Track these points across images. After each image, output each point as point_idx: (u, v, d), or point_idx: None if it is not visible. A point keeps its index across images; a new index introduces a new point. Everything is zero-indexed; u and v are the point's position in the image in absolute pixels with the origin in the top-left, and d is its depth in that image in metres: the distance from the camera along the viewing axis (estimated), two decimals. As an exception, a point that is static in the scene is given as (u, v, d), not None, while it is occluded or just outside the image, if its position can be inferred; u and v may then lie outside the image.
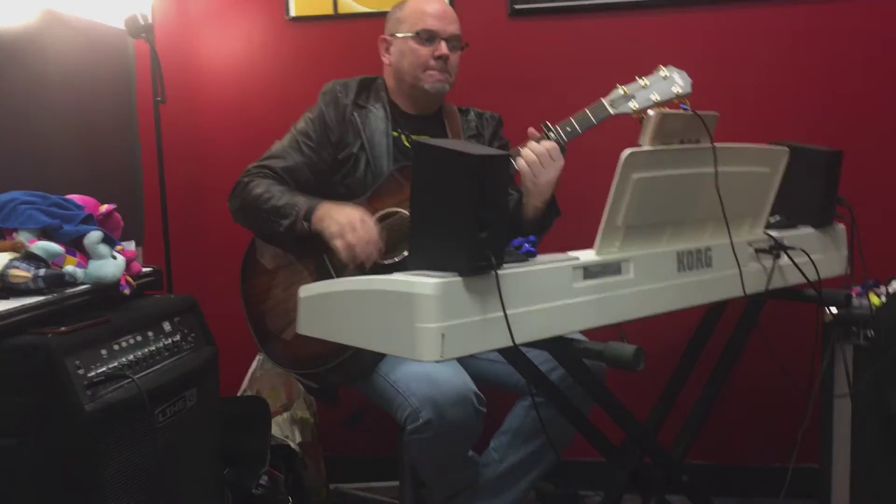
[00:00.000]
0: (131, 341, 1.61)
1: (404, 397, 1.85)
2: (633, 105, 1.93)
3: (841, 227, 2.06)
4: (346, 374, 1.98)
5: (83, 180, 2.02)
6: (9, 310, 1.43)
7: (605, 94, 1.95)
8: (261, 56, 2.71)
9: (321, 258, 2.00)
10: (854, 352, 2.01)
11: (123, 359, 1.56)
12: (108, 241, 1.66)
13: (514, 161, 1.93)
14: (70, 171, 2.09)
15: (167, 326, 1.74)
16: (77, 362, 1.44)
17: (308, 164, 2.08)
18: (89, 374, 1.46)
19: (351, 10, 2.63)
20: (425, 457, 1.92)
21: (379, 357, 1.92)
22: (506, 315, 1.29)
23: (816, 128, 2.42)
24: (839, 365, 2.01)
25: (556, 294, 1.40)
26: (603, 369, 2.00)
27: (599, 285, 1.46)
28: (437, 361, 1.25)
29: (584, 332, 1.54)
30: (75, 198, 1.73)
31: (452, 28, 2.10)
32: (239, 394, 2.38)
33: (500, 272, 1.30)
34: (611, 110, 1.93)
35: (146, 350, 1.64)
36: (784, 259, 1.79)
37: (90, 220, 1.66)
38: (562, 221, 2.08)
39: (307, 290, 1.50)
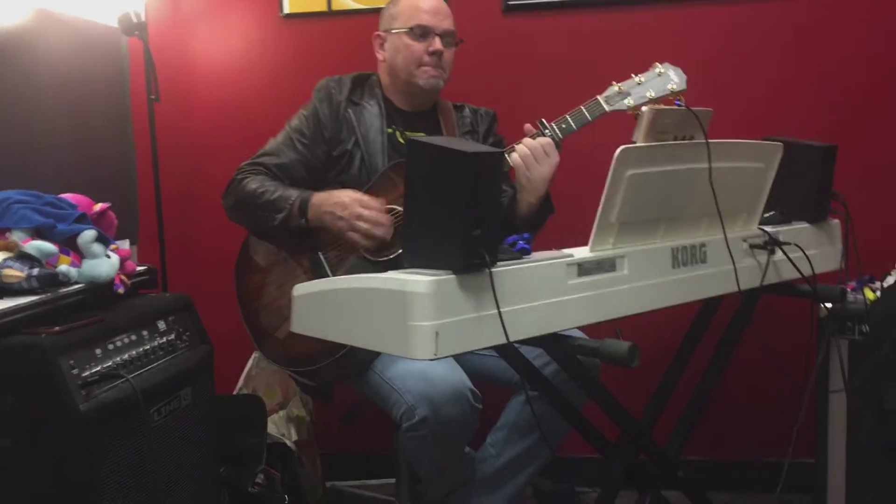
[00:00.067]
0: (126, 340, 1.61)
1: (400, 394, 1.85)
2: (629, 102, 1.92)
3: (835, 221, 2.06)
4: (341, 372, 1.98)
5: (77, 179, 2.02)
6: (2, 310, 1.44)
7: (600, 91, 1.95)
8: (255, 53, 2.70)
9: (316, 256, 2.00)
10: (849, 347, 2.01)
11: (118, 358, 1.56)
12: (102, 240, 1.65)
13: (508, 157, 1.93)
14: (64, 170, 2.09)
15: (162, 325, 1.74)
16: (71, 362, 1.44)
17: (302, 161, 2.08)
18: (84, 374, 1.46)
19: (345, 7, 2.62)
20: (421, 454, 1.92)
21: (374, 354, 1.92)
22: (500, 313, 1.29)
23: (810, 123, 2.42)
24: (834, 360, 2.01)
25: (551, 291, 1.39)
26: (597, 365, 2.00)
27: (594, 282, 1.46)
28: (432, 360, 1.25)
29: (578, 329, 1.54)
30: (69, 197, 1.73)
31: (446, 24, 2.10)
32: (235, 392, 2.38)
33: (494, 270, 1.29)
34: (606, 107, 1.93)
35: (141, 349, 1.64)
36: (778, 254, 1.79)
37: (84, 219, 1.66)
38: (556, 218, 2.08)
39: (301, 289, 1.49)
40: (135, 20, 2.35)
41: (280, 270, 2.05)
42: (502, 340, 1.30)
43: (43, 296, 1.54)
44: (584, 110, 1.94)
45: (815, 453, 2.10)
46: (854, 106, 2.44)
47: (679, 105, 1.61)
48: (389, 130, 2.12)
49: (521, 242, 1.41)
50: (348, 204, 1.93)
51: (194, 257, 2.72)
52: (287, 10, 2.65)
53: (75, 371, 1.44)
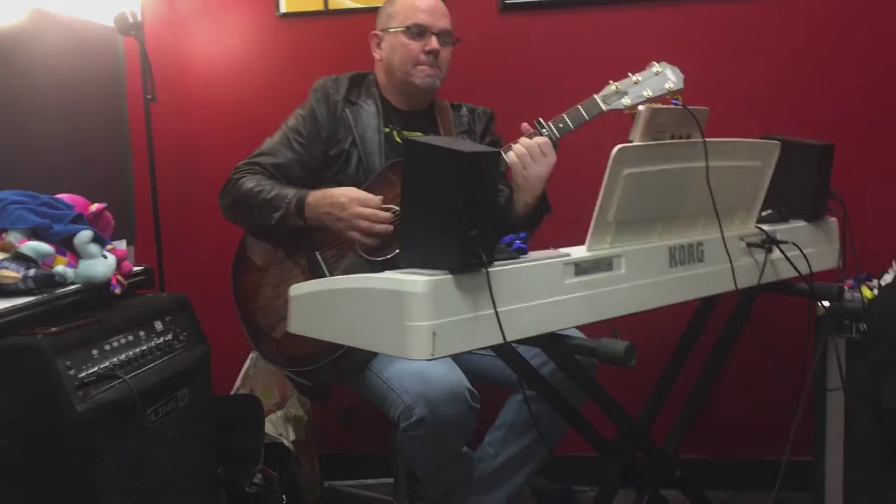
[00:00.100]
0: (122, 341, 1.61)
1: (397, 394, 1.85)
2: (626, 101, 1.92)
3: (833, 220, 2.06)
4: (339, 372, 1.98)
5: (73, 179, 2.01)
6: (-2, 311, 1.43)
7: (597, 90, 1.95)
8: (251, 53, 2.70)
9: (313, 255, 2.00)
10: (847, 345, 2.01)
11: (115, 359, 1.56)
12: (99, 240, 1.65)
13: (505, 156, 1.92)
14: (60, 171, 2.09)
15: (159, 326, 1.74)
16: (68, 363, 1.44)
17: (299, 160, 2.08)
18: (80, 375, 1.45)
19: (341, 6, 2.62)
20: (419, 453, 1.92)
21: (371, 354, 1.91)
22: (497, 313, 1.29)
23: (808, 122, 2.42)
24: (832, 358, 2.01)
25: (548, 291, 1.39)
26: (594, 364, 2.00)
27: (591, 281, 1.46)
28: (429, 360, 1.25)
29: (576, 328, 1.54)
30: (65, 197, 1.73)
31: (443, 23, 2.10)
32: (232, 392, 2.38)
33: (490, 269, 1.29)
34: (603, 106, 1.93)
35: (138, 350, 1.63)
36: (776, 253, 1.79)
37: (80, 219, 1.66)
38: (553, 217, 2.08)
39: (297, 289, 1.49)
40: (131, 20, 2.35)
41: (277, 270, 2.04)
42: (499, 340, 1.30)
43: (39, 296, 1.53)
44: (582, 109, 1.94)
45: (812, 451, 2.10)
46: (851, 105, 2.44)
47: (676, 104, 1.61)
48: (386, 130, 2.12)
49: (517, 242, 1.41)
50: (346, 204, 1.93)
51: (191, 257, 2.71)
52: (284, 9, 2.65)
53: (72, 372, 1.44)
